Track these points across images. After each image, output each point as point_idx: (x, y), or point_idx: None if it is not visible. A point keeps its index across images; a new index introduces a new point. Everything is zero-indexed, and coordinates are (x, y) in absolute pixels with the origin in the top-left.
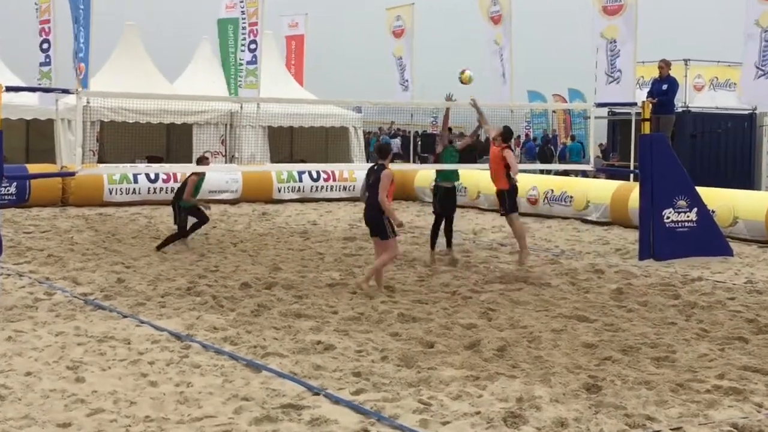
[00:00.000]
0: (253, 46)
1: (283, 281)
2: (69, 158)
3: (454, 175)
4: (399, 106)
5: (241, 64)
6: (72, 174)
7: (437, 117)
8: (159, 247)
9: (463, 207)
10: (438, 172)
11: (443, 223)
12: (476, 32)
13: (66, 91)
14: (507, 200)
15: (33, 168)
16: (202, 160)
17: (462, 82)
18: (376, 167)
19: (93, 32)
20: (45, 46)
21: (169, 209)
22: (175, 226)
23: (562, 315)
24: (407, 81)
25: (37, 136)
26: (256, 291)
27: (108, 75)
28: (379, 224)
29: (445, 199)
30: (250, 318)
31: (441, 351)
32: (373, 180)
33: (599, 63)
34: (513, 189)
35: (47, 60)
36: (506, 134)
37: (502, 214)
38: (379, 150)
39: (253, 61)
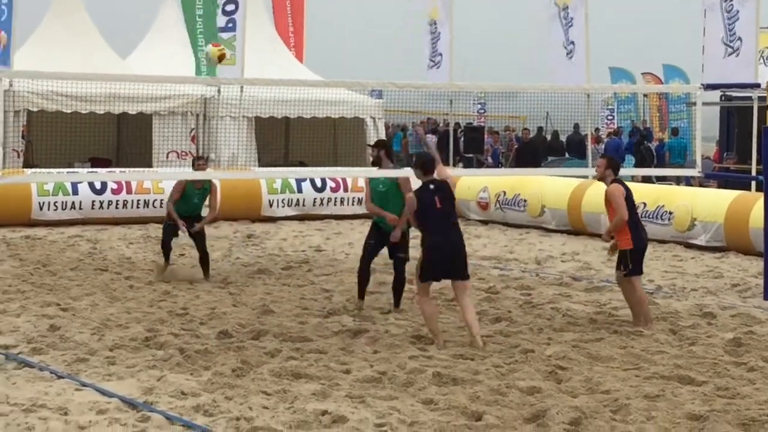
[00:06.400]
0: (230, 7)
1: (276, 329)
2: None
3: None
4: (434, 89)
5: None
6: None
7: (485, 104)
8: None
9: (522, 227)
10: None
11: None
12: None
13: None
14: (630, 261)
15: None
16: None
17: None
18: (433, 185)
19: None
20: None
21: (120, 230)
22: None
23: (659, 375)
24: (440, 55)
25: None
26: (239, 342)
27: (37, 48)
28: (465, 258)
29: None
30: (230, 379)
31: (493, 425)
32: (450, 202)
33: (710, 29)
34: (638, 249)
35: None
36: (612, 163)
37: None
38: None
39: (229, 28)
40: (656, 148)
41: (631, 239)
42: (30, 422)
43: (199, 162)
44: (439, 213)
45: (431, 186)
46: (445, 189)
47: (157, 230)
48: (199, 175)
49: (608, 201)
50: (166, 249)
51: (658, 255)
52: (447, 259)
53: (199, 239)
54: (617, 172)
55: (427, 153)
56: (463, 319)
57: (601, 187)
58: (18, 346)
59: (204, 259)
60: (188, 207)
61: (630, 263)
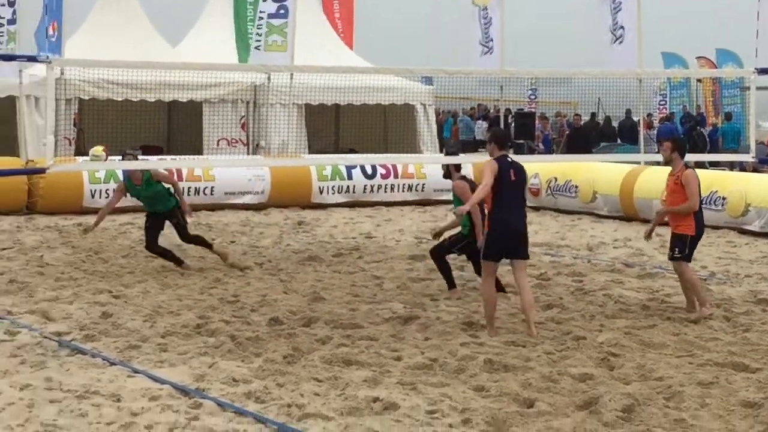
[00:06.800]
0: None
1: (327, 315)
2: (37, 150)
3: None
4: (485, 75)
5: (260, 18)
6: (41, 171)
7: (536, 89)
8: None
9: (574, 213)
10: None
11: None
12: None
13: (33, 59)
14: (687, 246)
15: None
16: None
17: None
18: (509, 158)
19: None
20: None
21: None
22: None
23: (713, 362)
24: (491, 41)
25: None
26: (290, 329)
27: (88, 37)
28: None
29: None
30: (281, 366)
31: (544, 411)
32: (522, 179)
33: (764, 12)
34: (699, 236)
35: (13, 17)
36: (678, 145)
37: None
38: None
39: (281, 14)
40: (709, 133)
41: (695, 225)
42: (83, 408)
43: (128, 156)
44: (512, 185)
45: (508, 158)
46: (519, 167)
47: (208, 217)
48: (128, 165)
49: (678, 186)
50: (159, 251)
51: (712, 241)
52: (513, 237)
53: (179, 229)
54: (684, 154)
55: (503, 129)
56: (520, 303)
57: (655, 172)
58: (71, 333)
59: (198, 241)
60: (148, 204)
61: (687, 249)
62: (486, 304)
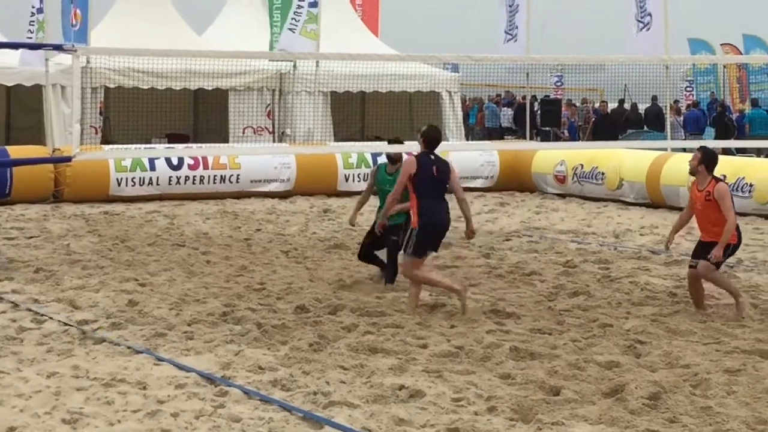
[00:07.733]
0: None
1: (353, 303)
2: (63, 138)
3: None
4: (511, 62)
5: (300, 6)
6: (68, 159)
7: (563, 76)
8: None
9: (600, 200)
10: None
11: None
12: None
13: (59, 48)
14: (728, 255)
15: (15, 151)
16: None
17: None
18: (434, 156)
19: None
20: None
21: (197, 206)
22: None
23: (740, 349)
24: (516, 28)
25: (21, 109)
26: (316, 317)
27: (114, 25)
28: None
29: None
30: (307, 354)
31: (570, 399)
32: (445, 176)
33: None
34: (739, 244)
35: (41, 5)
36: (708, 158)
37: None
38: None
39: (316, 2)
40: (736, 119)
41: (738, 234)
42: (110, 396)
43: None
44: (435, 180)
45: (432, 156)
46: (444, 164)
47: (233, 205)
48: None
49: (711, 202)
50: None
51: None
52: (441, 231)
53: None
54: (713, 169)
55: (436, 129)
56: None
57: (681, 159)
58: (97, 321)
59: None
60: None
61: (726, 257)
62: (434, 282)
